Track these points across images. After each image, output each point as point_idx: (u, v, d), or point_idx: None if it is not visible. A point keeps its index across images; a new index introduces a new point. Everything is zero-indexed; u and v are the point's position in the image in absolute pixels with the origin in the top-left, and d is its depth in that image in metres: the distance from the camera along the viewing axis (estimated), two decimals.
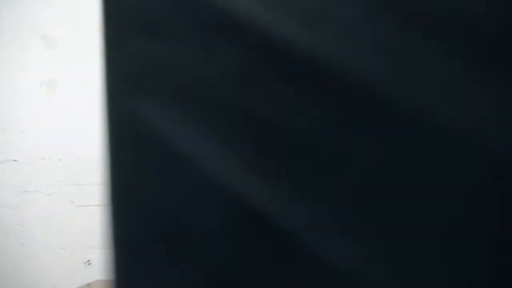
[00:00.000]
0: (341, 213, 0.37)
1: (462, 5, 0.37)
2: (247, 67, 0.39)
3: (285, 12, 0.38)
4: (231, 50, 0.40)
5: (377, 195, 0.37)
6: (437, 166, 0.37)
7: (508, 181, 0.36)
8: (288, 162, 0.37)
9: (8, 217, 2.31)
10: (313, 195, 0.37)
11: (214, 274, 0.39)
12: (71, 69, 2.38)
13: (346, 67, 0.37)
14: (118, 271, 0.41)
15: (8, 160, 2.34)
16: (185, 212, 0.40)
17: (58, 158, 2.32)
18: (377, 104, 0.37)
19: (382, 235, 0.37)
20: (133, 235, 0.41)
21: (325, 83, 0.37)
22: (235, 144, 0.38)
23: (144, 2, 0.43)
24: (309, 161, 0.37)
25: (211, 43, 0.41)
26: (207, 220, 0.39)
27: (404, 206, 0.37)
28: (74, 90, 2.36)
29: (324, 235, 0.38)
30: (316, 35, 0.38)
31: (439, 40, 0.37)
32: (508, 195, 0.36)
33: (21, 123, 2.35)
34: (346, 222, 0.37)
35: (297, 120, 0.37)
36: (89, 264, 2.26)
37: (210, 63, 0.42)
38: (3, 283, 2.28)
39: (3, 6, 2.43)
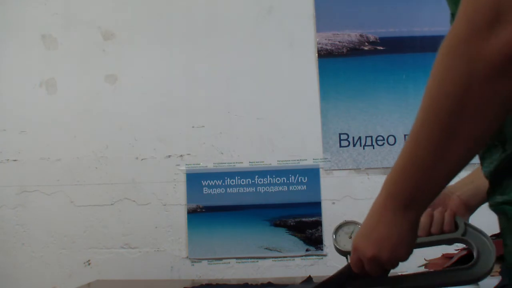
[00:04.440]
0: None
1: None
2: None
3: None
4: None
5: None
6: None
7: None
8: None
9: (8, 217, 2.31)
10: None
11: None
12: (71, 69, 2.38)
13: None
14: None
15: (8, 160, 2.34)
16: None
17: (58, 158, 2.32)
18: None
19: None
20: None
21: None
22: None
23: None
24: None
25: None
26: None
27: None
28: (74, 89, 2.36)
29: None
30: None
31: None
32: None
33: (21, 123, 2.35)
34: None
35: None
36: (89, 264, 2.26)
37: None
38: (3, 283, 2.27)
39: (3, 6, 2.43)
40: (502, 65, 0.51)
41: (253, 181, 2.26)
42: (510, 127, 0.59)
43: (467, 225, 0.86)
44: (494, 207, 0.65)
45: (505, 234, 0.65)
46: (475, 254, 0.79)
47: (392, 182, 0.65)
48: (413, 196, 0.64)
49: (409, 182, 0.63)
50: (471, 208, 0.98)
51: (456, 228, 0.88)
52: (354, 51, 2.33)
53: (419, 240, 0.90)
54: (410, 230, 0.67)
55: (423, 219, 0.92)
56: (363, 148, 2.26)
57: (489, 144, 0.64)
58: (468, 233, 0.85)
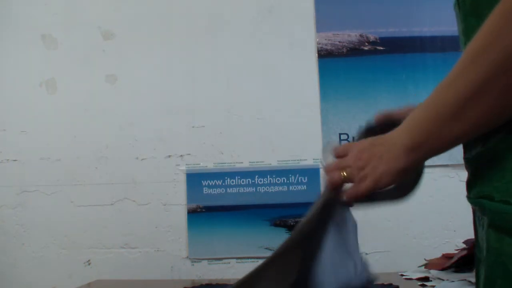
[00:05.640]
0: None
1: None
2: None
3: None
4: None
5: None
6: None
7: None
8: None
9: (8, 217, 2.31)
10: None
11: None
12: (71, 69, 2.38)
13: None
14: None
15: (8, 160, 2.34)
16: None
17: (58, 158, 2.32)
18: None
19: None
20: None
21: None
22: None
23: None
24: None
25: None
26: None
27: None
28: (74, 89, 2.36)
29: None
30: None
31: None
32: None
33: (21, 123, 2.35)
34: None
35: None
36: (89, 264, 2.26)
37: None
38: (3, 283, 2.28)
39: (3, 6, 2.43)
40: None
41: (253, 181, 2.26)
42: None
43: None
44: (472, 200, 0.65)
45: (478, 230, 0.64)
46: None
47: (409, 126, 0.67)
48: (420, 143, 0.65)
49: (421, 131, 0.65)
50: None
51: None
52: (354, 51, 2.32)
53: None
54: (404, 168, 0.68)
55: None
56: None
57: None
58: None
